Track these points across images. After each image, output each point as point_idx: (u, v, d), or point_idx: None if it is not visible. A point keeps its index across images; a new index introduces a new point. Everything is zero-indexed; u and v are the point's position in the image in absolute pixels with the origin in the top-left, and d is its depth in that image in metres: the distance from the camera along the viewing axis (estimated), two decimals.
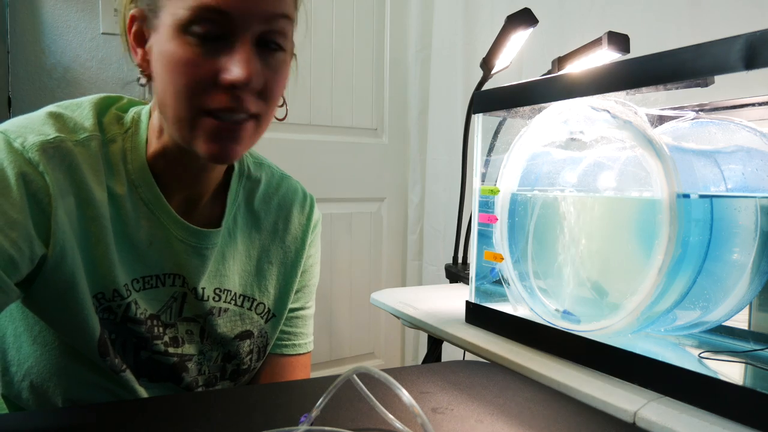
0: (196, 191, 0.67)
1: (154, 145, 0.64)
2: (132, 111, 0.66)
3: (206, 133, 0.56)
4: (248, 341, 0.72)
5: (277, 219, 0.77)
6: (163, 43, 0.55)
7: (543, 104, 0.71)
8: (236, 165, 0.73)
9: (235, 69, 0.53)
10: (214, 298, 0.69)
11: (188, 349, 0.68)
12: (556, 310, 0.68)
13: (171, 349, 0.66)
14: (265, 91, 0.57)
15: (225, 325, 0.70)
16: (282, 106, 0.68)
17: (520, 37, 1.13)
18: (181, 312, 0.67)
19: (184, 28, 0.54)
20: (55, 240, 0.55)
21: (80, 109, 0.63)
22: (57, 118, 0.60)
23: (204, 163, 0.64)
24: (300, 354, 0.80)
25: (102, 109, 0.64)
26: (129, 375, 0.63)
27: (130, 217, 0.62)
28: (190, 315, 0.68)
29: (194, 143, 0.57)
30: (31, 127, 0.57)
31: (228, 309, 0.70)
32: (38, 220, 0.54)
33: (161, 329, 0.66)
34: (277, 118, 0.68)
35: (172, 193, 0.65)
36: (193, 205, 0.67)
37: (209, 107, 0.55)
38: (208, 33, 0.54)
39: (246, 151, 0.62)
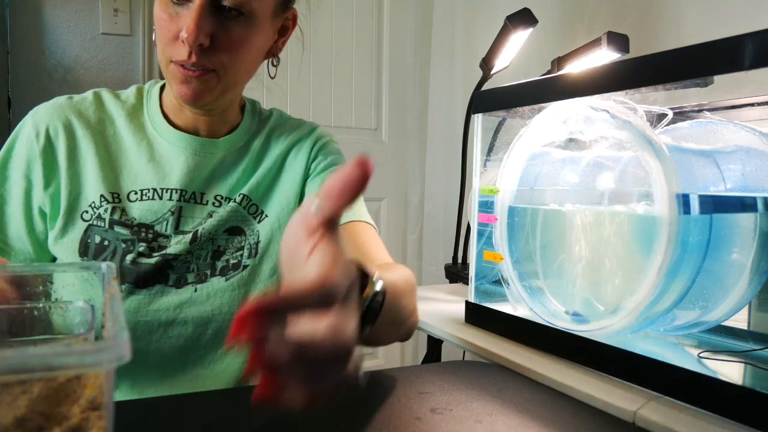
0: (208, 133, 0.77)
1: (166, 102, 0.77)
2: (133, 87, 0.79)
3: (175, 79, 0.68)
4: (238, 237, 0.75)
5: (286, 149, 0.81)
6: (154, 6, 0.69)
7: (543, 104, 0.71)
8: (248, 105, 0.83)
9: (183, 30, 0.64)
10: (214, 203, 0.75)
11: (174, 249, 0.72)
12: (566, 312, 0.68)
13: (155, 253, 0.71)
14: (220, 48, 0.66)
15: (216, 220, 0.74)
16: (276, 66, 0.79)
17: (519, 37, 1.13)
18: (178, 225, 0.73)
19: None
20: None
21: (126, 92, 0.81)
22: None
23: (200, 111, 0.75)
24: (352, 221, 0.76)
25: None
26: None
27: (129, 139, 0.75)
28: (187, 229, 0.73)
29: (171, 86, 0.70)
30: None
31: (224, 210, 0.75)
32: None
33: (151, 235, 0.72)
34: (270, 76, 0.80)
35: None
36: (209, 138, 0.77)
37: (175, 58, 0.67)
38: None
39: (217, 97, 0.70)
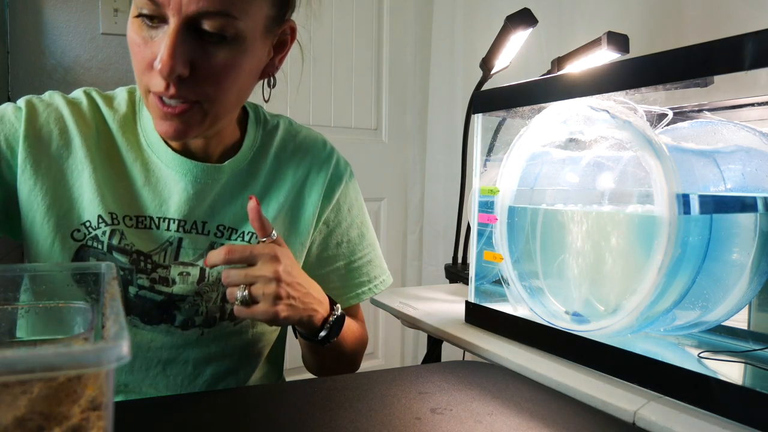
0: (203, 153, 0.70)
1: None
2: (124, 91, 0.72)
3: (155, 113, 0.60)
4: None
5: (301, 180, 0.75)
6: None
7: (543, 104, 0.71)
8: (251, 115, 0.75)
9: (158, 59, 0.56)
10: (216, 234, 0.70)
11: (180, 289, 0.67)
12: (566, 312, 0.68)
13: (158, 287, 0.67)
14: (203, 78, 0.58)
15: None
16: (273, 86, 0.71)
17: (519, 37, 1.13)
18: (177, 256, 0.68)
19: (135, 12, 0.58)
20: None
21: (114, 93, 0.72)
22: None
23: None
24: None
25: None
26: None
27: (127, 156, 0.68)
28: (187, 260, 0.68)
29: (152, 119, 0.62)
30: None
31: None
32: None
33: (150, 265, 0.67)
34: (264, 99, 0.72)
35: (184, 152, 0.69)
36: (206, 158, 0.70)
37: (152, 89, 0.58)
38: (148, 17, 0.57)
39: (206, 129, 0.63)
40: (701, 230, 0.58)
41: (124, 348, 0.28)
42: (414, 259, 2.05)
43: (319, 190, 0.76)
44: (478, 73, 1.20)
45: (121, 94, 0.72)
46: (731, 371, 0.58)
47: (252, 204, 0.61)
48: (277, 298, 0.60)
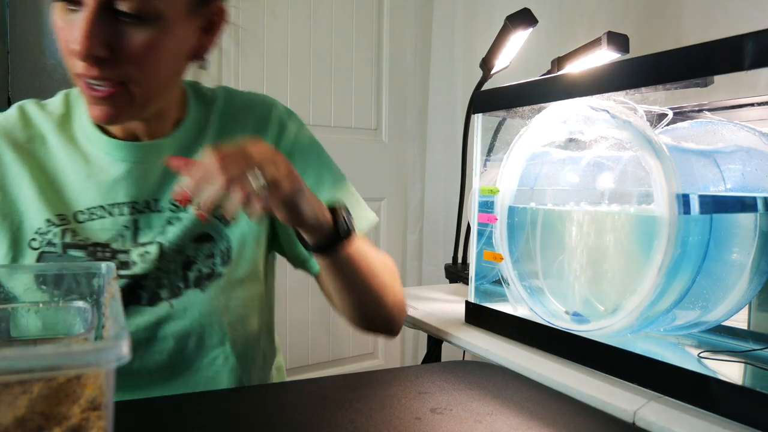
0: (150, 136, 0.69)
1: None
2: (60, 94, 0.72)
3: (86, 98, 0.61)
4: (207, 245, 0.71)
5: (242, 129, 0.74)
6: None
7: (543, 104, 0.71)
8: (190, 92, 0.74)
9: (73, 41, 0.56)
10: (171, 209, 0.69)
11: (141, 269, 0.67)
12: (566, 312, 0.68)
13: (119, 272, 0.66)
14: (123, 59, 0.58)
15: (180, 230, 0.69)
16: (205, 68, 0.70)
17: (519, 37, 1.13)
18: (135, 238, 0.68)
19: None
20: None
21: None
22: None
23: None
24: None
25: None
26: None
27: (60, 155, 0.68)
28: (146, 240, 0.68)
29: (85, 103, 0.62)
30: None
31: (187, 217, 0.70)
32: None
33: (108, 253, 0.66)
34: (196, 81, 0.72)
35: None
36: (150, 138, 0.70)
37: (76, 71, 0.59)
38: (68, 1, 0.57)
39: (138, 112, 0.63)
40: (701, 230, 0.58)
41: (124, 348, 0.28)
42: (414, 259, 2.06)
43: (270, 141, 0.75)
44: (478, 73, 1.20)
45: (56, 98, 0.73)
46: (731, 371, 0.58)
47: (174, 163, 0.58)
48: (292, 172, 0.58)
